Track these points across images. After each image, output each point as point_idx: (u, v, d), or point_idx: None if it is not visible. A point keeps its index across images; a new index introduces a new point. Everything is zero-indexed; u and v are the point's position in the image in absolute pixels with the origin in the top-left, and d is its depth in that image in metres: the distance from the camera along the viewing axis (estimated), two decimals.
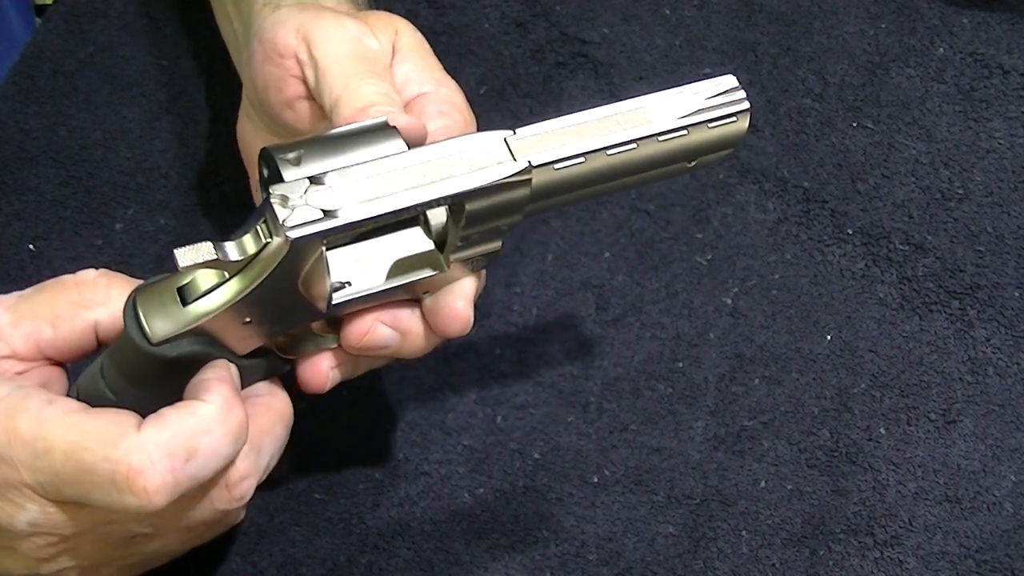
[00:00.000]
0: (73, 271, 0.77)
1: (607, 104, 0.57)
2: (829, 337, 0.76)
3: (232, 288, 0.55)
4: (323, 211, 0.53)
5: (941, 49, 0.86)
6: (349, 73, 0.62)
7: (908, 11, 0.87)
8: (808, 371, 0.75)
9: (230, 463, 0.56)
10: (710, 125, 0.58)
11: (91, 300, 0.58)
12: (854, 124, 0.83)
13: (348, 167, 0.55)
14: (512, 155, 0.56)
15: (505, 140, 0.56)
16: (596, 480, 0.72)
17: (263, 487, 0.60)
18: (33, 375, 0.59)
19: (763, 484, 0.71)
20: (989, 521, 0.70)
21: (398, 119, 0.58)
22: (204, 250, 0.53)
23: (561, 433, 0.73)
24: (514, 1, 0.89)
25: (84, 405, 0.55)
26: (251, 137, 0.71)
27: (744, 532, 0.70)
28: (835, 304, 0.77)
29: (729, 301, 0.77)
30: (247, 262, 0.54)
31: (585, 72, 0.86)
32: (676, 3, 0.89)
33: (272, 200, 0.53)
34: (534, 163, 0.55)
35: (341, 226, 0.53)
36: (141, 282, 0.59)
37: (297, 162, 0.55)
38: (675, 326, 0.76)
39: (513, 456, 0.72)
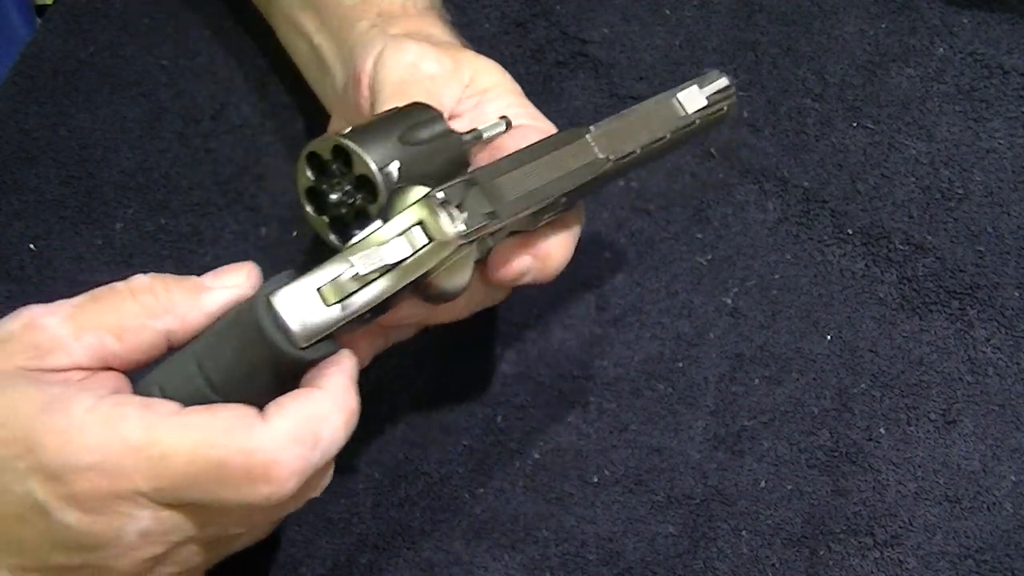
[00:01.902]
0: (74, 271, 0.78)
1: (646, 100, 0.66)
2: (829, 337, 0.76)
3: (381, 287, 0.56)
4: (486, 214, 0.59)
5: (941, 49, 0.86)
6: (386, 103, 0.65)
7: (908, 11, 0.87)
8: (808, 371, 0.75)
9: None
10: (712, 114, 0.68)
11: (155, 309, 0.57)
12: (854, 124, 0.83)
13: (492, 167, 0.61)
14: (596, 151, 0.64)
15: (587, 137, 0.64)
16: (596, 480, 0.72)
17: None
18: (96, 380, 0.57)
19: (763, 484, 0.71)
20: (989, 521, 0.70)
21: None
22: (375, 257, 0.56)
23: (561, 433, 0.73)
24: (514, 1, 0.89)
25: (179, 406, 0.54)
26: None
27: (744, 532, 0.70)
28: (835, 304, 0.77)
29: (729, 301, 0.77)
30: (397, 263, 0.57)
31: (586, 72, 0.86)
32: (676, 3, 0.89)
33: (436, 205, 0.57)
34: (612, 158, 0.64)
35: (498, 228, 0.60)
36: (209, 280, 0.58)
37: (353, 132, 0.60)
38: (675, 326, 0.76)
39: (513, 456, 0.72)
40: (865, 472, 0.71)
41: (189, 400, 0.56)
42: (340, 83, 0.73)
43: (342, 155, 0.61)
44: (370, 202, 0.61)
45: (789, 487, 0.71)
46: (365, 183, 0.61)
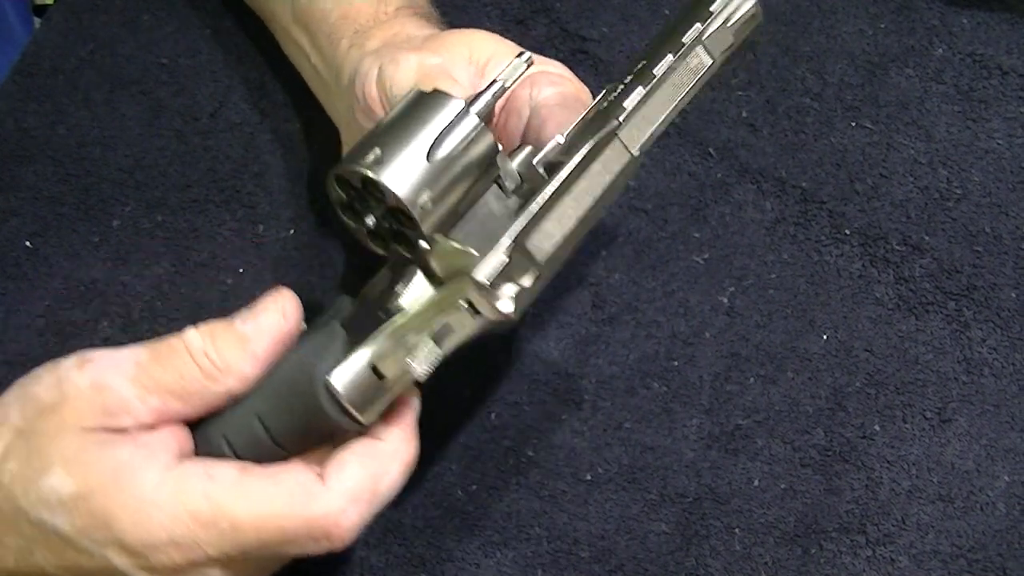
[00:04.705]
0: (71, 267, 0.78)
1: (670, 62, 0.59)
2: (825, 337, 0.76)
3: (434, 356, 0.58)
4: (532, 285, 0.56)
5: (940, 49, 0.86)
6: None
7: (908, 11, 0.87)
8: (804, 370, 0.75)
9: None
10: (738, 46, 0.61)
11: (214, 372, 0.58)
12: (853, 124, 0.83)
13: (535, 219, 0.57)
14: (629, 149, 0.58)
15: (620, 136, 0.58)
16: (589, 478, 0.72)
17: None
18: (160, 439, 0.58)
19: (757, 483, 0.71)
20: (982, 520, 0.70)
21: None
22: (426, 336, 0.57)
23: (555, 431, 0.73)
24: None
25: (244, 466, 0.56)
26: None
27: (737, 530, 0.70)
28: (832, 304, 0.77)
29: (725, 300, 0.77)
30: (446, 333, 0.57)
31: (585, 69, 0.86)
32: (675, 3, 0.89)
33: (480, 283, 0.55)
34: (643, 151, 0.59)
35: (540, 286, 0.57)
36: (250, 328, 0.58)
37: (379, 162, 0.56)
38: (671, 325, 0.76)
39: (507, 453, 0.72)
40: (859, 470, 0.71)
41: (254, 449, 0.58)
42: (341, 103, 0.73)
43: (372, 184, 0.57)
44: (408, 228, 0.58)
45: (782, 486, 0.71)
46: (400, 211, 0.58)
